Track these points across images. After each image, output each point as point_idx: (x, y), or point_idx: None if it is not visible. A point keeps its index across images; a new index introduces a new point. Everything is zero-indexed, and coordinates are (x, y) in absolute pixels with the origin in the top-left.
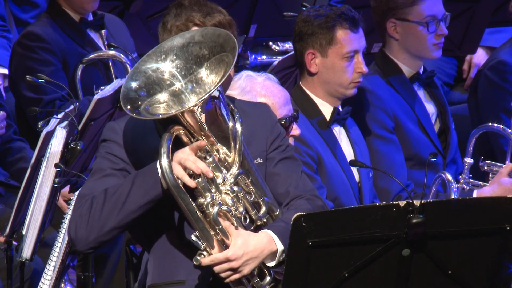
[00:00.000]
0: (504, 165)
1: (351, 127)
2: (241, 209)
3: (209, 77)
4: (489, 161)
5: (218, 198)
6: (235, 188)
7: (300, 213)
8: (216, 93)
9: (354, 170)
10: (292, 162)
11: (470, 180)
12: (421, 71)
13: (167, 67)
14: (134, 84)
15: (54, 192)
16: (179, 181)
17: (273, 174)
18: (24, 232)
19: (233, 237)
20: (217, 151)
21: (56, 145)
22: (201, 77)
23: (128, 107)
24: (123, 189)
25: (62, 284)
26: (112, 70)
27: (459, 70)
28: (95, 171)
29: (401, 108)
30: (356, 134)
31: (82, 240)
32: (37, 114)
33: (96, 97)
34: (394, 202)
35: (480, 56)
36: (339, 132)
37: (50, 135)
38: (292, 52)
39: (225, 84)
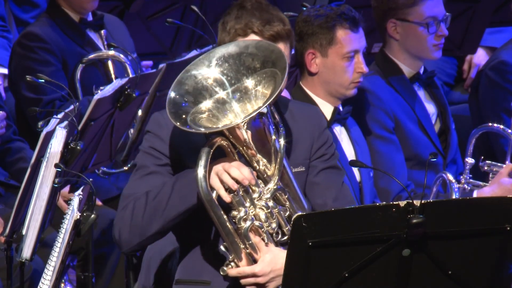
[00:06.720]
0: (505, 165)
1: (352, 126)
2: (273, 225)
3: (257, 90)
4: (490, 161)
5: (252, 212)
6: (270, 204)
7: (300, 213)
8: (264, 110)
9: (355, 169)
10: (335, 172)
11: (471, 180)
12: (421, 71)
13: (215, 73)
14: (181, 91)
15: (54, 192)
16: (214, 193)
17: (313, 183)
18: (24, 232)
19: (262, 253)
20: (257, 162)
21: (56, 145)
22: (248, 87)
23: (176, 120)
24: (163, 194)
25: (62, 284)
26: (111, 70)
27: (459, 70)
28: (139, 168)
29: (401, 108)
30: (357, 133)
31: (126, 243)
32: (37, 114)
33: (96, 97)
34: (394, 202)
35: (480, 56)
36: (340, 132)
37: (50, 135)
38: (292, 52)
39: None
